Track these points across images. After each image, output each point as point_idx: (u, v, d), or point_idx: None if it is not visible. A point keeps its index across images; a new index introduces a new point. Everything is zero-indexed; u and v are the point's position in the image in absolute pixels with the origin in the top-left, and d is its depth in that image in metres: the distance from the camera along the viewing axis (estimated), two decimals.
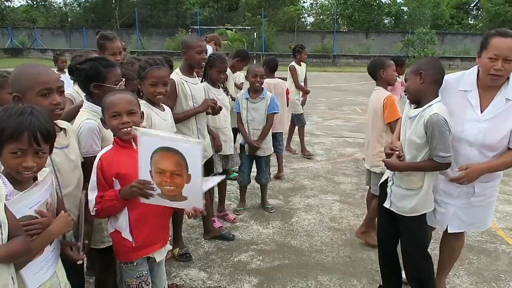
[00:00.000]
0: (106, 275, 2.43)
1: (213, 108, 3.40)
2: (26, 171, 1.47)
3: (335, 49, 27.20)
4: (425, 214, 2.52)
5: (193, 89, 3.33)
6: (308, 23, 35.75)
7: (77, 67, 2.23)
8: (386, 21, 32.96)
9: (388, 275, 2.88)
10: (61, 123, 1.97)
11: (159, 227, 2.10)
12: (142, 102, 2.53)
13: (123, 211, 2.00)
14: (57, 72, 3.90)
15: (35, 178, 1.57)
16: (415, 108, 2.44)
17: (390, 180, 2.63)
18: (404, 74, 2.91)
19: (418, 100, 2.41)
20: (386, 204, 2.63)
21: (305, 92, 6.58)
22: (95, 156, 2.00)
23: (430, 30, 25.36)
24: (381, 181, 2.80)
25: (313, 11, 35.13)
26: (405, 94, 2.52)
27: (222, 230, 3.87)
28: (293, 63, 6.36)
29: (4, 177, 1.45)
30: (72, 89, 2.88)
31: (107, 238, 2.25)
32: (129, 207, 1.98)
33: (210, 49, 5.01)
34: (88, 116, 2.18)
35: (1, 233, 1.30)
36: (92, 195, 1.95)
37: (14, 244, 1.34)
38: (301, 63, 6.49)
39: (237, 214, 4.32)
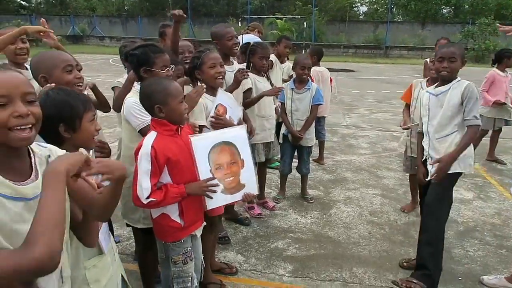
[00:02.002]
0: (147, 254, 2.58)
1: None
2: (96, 134, 1.69)
3: (388, 40, 26.26)
4: (457, 175, 2.89)
5: (228, 76, 3.41)
6: (361, 12, 34.75)
7: (130, 53, 2.38)
8: (445, 10, 31.25)
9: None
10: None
11: (201, 206, 2.25)
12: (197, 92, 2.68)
13: None
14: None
15: None
16: (436, 87, 2.94)
17: (428, 158, 2.98)
18: (434, 57, 3.10)
19: (451, 80, 2.84)
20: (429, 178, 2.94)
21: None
22: (147, 126, 2.16)
23: (494, 20, 23.73)
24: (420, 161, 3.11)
25: (367, 0, 34.07)
26: (442, 74, 2.84)
27: (239, 214, 4.00)
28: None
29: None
30: (121, 79, 3.04)
31: (143, 220, 2.41)
32: None
33: (252, 37, 5.06)
34: (132, 95, 2.34)
35: None
36: (146, 182, 1.98)
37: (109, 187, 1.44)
38: None
39: (277, 202, 4.40)
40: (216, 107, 2.77)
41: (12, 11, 31.54)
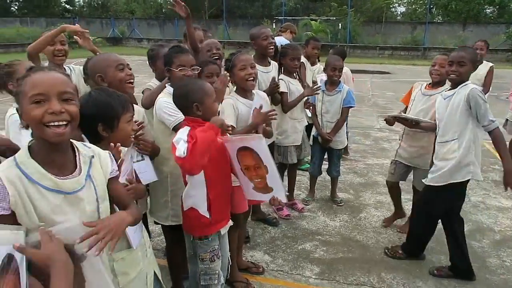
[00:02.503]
0: (175, 250, 2.67)
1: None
2: (133, 134, 1.81)
3: (426, 41, 25.47)
4: (457, 185, 2.97)
5: (261, 77, 3.45)
6: (399, 13, 33.90)
7: (163, 54, 2.55)
8: (488, 10, 29.90)
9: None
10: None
11: (228, 204, 2.32)
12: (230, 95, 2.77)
13: (202, 190, 2.15)
14: None
15: None
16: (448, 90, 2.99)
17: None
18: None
19: (460, 83, 2.87)
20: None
21: None
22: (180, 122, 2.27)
23: None
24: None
25: (405, 1, 33.18)
26: (451, 77, 2.90)
27: (267, 214, 4.02)
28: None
29: (111, 154, 1.60)
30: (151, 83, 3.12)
31: (171, 217, 2.50)
32: (208, 186, 2.17)
33: (282, 40, 5.07)
34: (163, 96, 2.45)
35: (99, 207, 1.42)
36: (182, 144, 1.92)
37: (134, 210, 1.57)
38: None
39: (306, 204, 4.40)
40: (253, 111, 2.78)
41: (58, 14, 33.08)
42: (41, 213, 1.27)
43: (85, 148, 1.45)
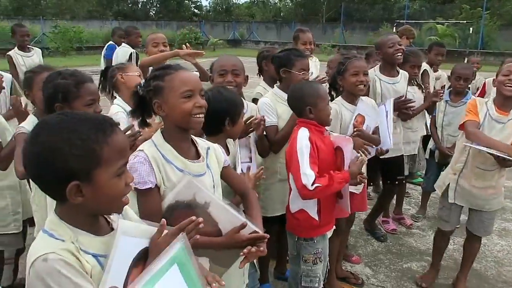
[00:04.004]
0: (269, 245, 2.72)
1: None
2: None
3: None
4: None
5: (384, 87, 3.29)
6: None
7: (275, 55, 2.64)
8: None
9: None
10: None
11: (334, 207, 2.31)
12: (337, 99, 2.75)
13: None
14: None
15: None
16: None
17: None
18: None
19: None
20: None
21: None
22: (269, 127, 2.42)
23: None
24: None
25: None
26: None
27: (377, 227, 3.85)
28: None
29: (221, 146, 1.80)
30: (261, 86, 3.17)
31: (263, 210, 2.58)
32: None
33: None
34: (266, 96, 2.59)
35: (214, 193, 1.59)
36: (309, 170, 2.03)
37: (252, 195, 1.76)
38: None
39: (415, 221, 4.10)
40: (355, 117, 2.74)
41: (187, 18, 36.29)
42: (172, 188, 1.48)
43: (201, 141, 1.64)
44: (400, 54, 3.30)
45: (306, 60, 2.55)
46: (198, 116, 1.49)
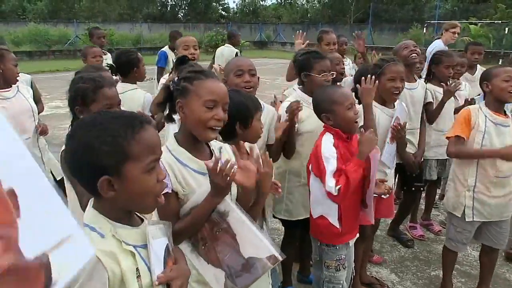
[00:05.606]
0: (286, 246, 2.70)
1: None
2: (262, 132, 1.94)
3: None
4: None
5: (409, 96, 3.30)
6: None
7: (296, 59, 2.59)
8: None
9: None
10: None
11: (357, 216, 2.25)
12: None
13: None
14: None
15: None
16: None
17: None
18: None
19: None
20: None
21: None
22: None
23: None
24: None
25: None
26: None
27: (403, 233, 3.75)
28: None
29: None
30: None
31: (283, 212, 2.59)
32: None
33: (440, 44, 4.61)
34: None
35: (231, 193, 1.58)
36: (330, 181, 2.02)
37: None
38: None
39: (444, 227, 3.96)
40: (394, 119, 2.69)
41: (214, 20, 36.63)
42: (193, 191, 1.49)
43: (213, 141, 1.64)
44: (415, 55, 3.29)
45: (326, 61, 2.47)
46: (214, 127, 1.47)
